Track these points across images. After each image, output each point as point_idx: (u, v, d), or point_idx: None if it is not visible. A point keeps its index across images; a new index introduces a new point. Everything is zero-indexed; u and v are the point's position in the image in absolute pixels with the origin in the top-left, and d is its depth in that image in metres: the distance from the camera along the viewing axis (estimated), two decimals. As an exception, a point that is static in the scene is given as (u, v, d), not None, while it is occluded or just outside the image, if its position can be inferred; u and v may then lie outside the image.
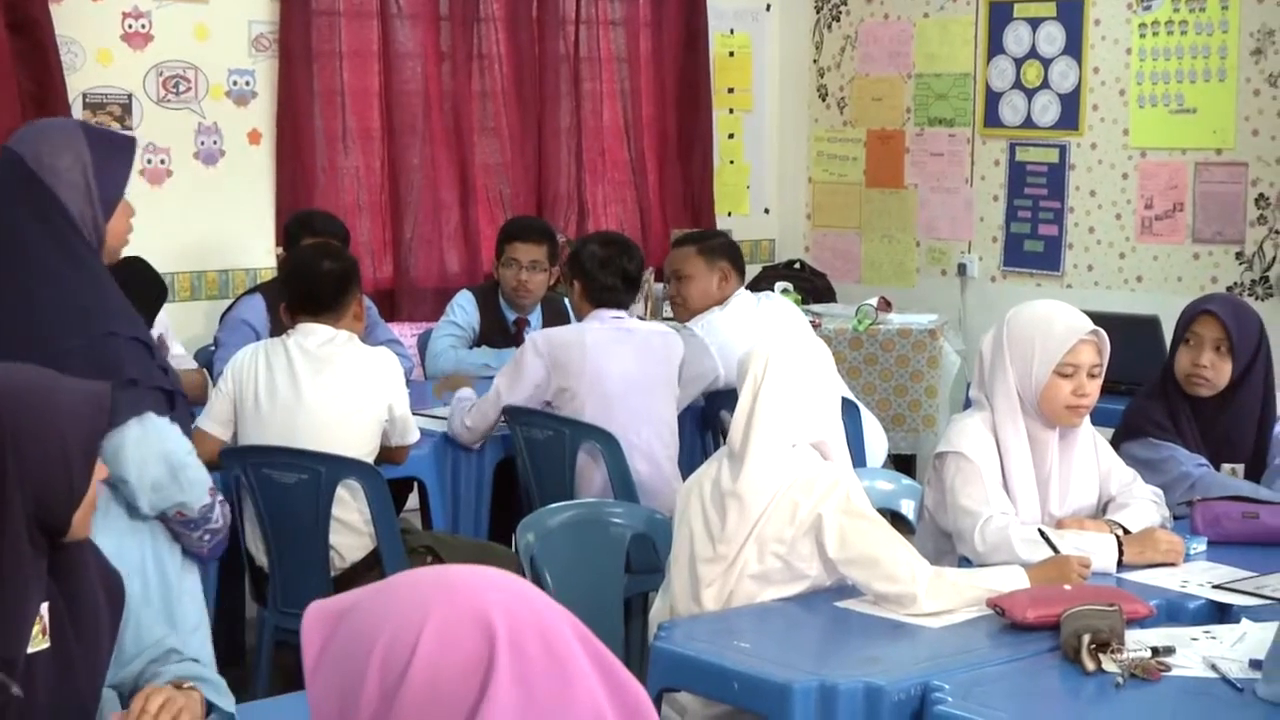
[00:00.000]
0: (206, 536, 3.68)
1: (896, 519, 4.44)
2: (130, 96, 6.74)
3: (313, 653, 1.57)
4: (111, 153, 3.61)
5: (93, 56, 6.64)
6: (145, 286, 5.12)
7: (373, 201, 7.44)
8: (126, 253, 3.90)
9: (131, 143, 3.79)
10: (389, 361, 4.91)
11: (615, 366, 5.27)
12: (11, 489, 2.60)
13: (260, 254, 7.04)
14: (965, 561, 3.85)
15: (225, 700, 2.85)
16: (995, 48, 8.10)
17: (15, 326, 3.41)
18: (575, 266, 5.47)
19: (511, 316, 6.37)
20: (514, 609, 1.53)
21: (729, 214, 8.72)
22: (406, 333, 6.68)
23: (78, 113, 6.54)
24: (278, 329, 5.26)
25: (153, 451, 3.50)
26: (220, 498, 3.74)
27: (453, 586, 1.55)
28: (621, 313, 5.42)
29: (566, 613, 1.58)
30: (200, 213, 6.92)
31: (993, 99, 8.13)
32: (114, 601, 2.81)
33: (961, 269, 8.25)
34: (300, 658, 3.64)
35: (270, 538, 4.75)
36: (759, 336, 5.27)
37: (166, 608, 3.55)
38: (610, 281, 5.40)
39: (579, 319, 5.46)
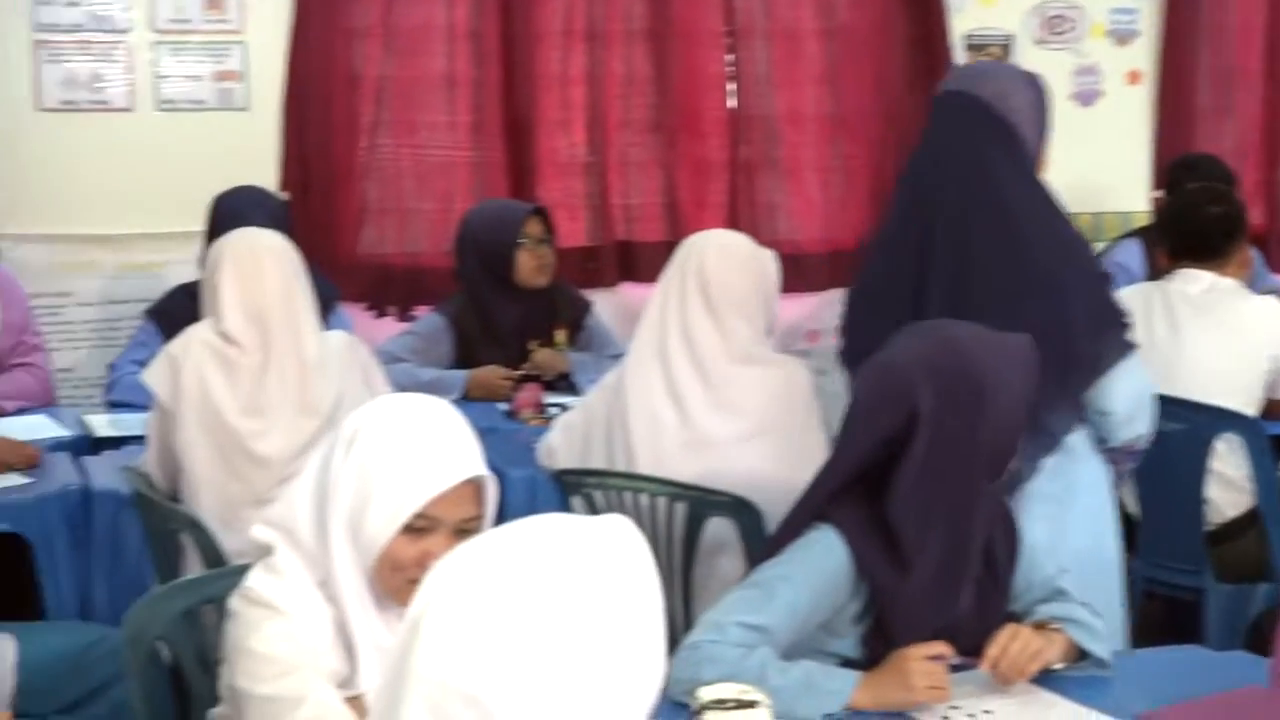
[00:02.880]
0: (1130, 464, 3.65)
1: None
2: (1010, 38, 6.75)
3: None
4: (1045, 92, 3.58)
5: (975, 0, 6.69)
6: None
7: (1258, 144, 7.07)
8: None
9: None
10: (1273, 313, 4.67)
11: None
12: (985, 435, 2.71)
13: (1133, 197, 6.87)
14: None
15: (1100, 646, 2.80)
16: None
17: (1018, 264, 3.33)
18: None
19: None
20: None
21: None
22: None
23: (960, 55, 6.62)
24: (1155, 273, 5.12)
25: (1135, 387, 3.45)
26: None
27: None
28: None
29: None
30: (1075, 154, 6.81)
31: None
32: (1010, 538, 2.85)
33: None
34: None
35: (1143, 486, 4.63)
36: None
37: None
38: None
39: None
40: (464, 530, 2.38)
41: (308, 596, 2.42)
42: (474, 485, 2.41)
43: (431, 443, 2.40)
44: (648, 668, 1.47)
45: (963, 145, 3.40)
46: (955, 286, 3.29)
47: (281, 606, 2.41)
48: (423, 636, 1.42)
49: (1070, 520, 3.31)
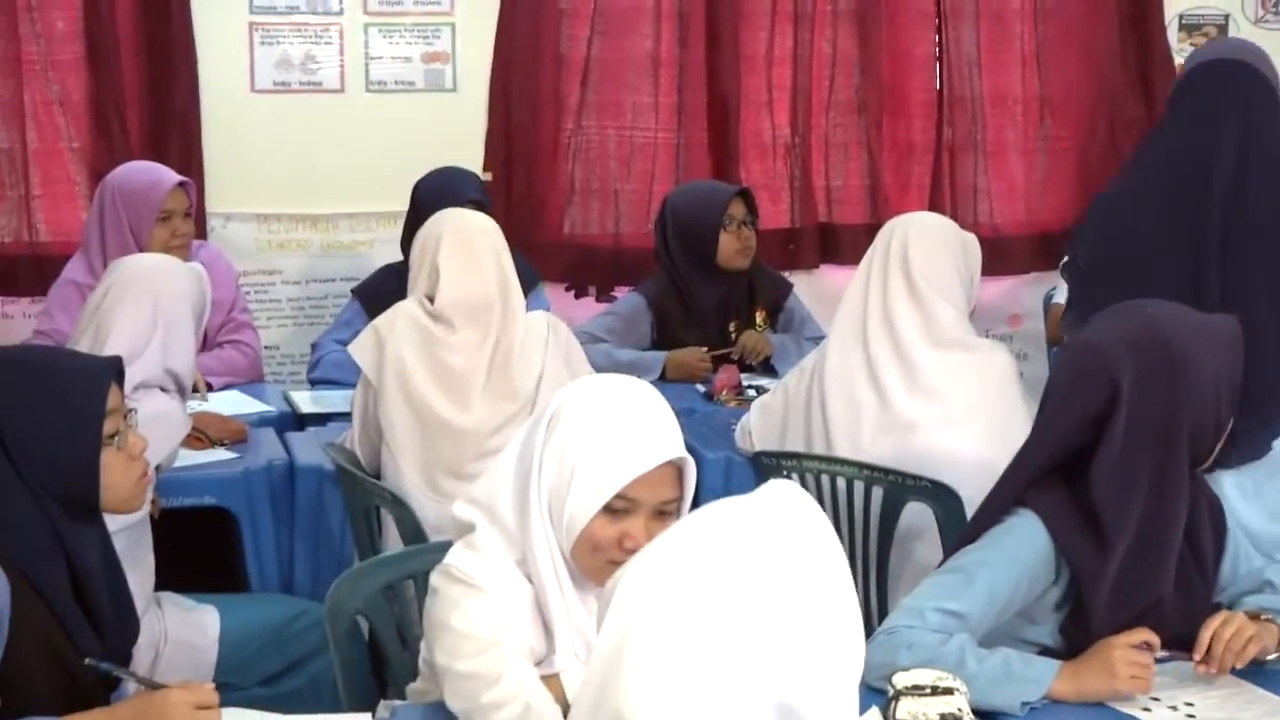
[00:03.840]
0: None
1: None
2: (1227, 17, 6.57)
3: None
4: None
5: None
6: None
7: None
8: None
9: None
10: None
11: None
12: (1185, 412, 2.66)
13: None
14: None
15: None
16: None
17: None
18: None
19: None
20: None
21: None
22: None
23: (1173, 35, 6.48)
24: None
25: None
26: None
27: None
28: None
29: None
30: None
31: None
32: (1218, 528, 2.79)
33: None
34: None
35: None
36: None
37: None
38: None
39: None
40: (662, 512, 2.38)
41: (507, 574, 2.44)
42: (674, 467, 2.41)
43: (633, 424, 2.39)
44: (852, 644, 1.46)
45: (1236, 104, 3.54)
46: (1232, 222, 3.42)
47: (481, 584, 2.42)
48: (627, 676, 1.40)
49: None
